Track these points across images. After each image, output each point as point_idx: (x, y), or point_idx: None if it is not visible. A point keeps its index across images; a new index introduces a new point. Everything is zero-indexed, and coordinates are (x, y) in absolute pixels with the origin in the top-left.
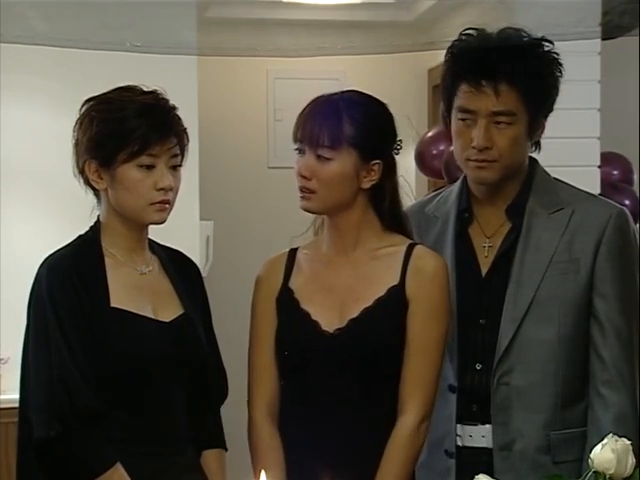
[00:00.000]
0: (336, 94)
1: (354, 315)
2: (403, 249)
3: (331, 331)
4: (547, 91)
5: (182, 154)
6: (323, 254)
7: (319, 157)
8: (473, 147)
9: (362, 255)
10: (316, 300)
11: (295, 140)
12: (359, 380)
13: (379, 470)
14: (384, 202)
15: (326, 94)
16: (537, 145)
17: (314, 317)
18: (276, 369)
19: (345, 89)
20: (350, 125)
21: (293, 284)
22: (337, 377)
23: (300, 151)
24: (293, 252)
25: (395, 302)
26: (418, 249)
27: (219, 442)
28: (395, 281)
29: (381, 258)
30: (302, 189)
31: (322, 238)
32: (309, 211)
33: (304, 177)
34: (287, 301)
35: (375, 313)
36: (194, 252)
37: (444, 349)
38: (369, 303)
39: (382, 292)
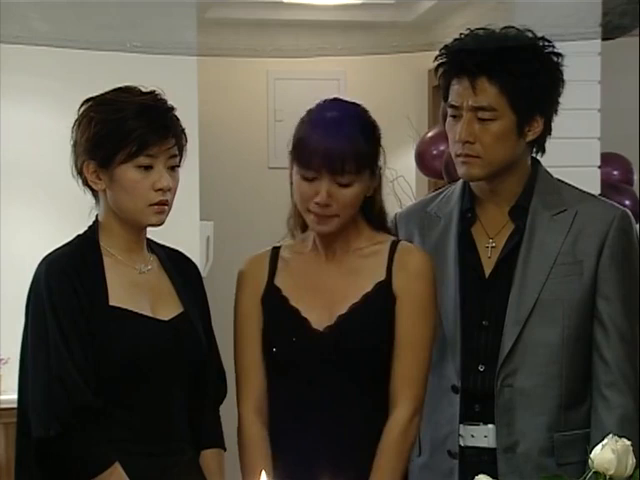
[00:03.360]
0: (333, 111)
1: (343, 312)
2: (387, 245)
3: (321, 329)
4: (535, 90)
5: (180, 155)
6: (310, 253)
7: (339, 184)
8: (457, 141)
9: (350, 254)
10: (305, 298)
11: (305, 167)
12: (350, 376)
13: (374, 465)
14: (374, 209)
15: (324, 114)
16: (541, 148)
17: (304, 314)
18: (263, 367)
19: (330, 99)
20: (365, 146)
21: (279, 282)
22: (328, 374)
23: (312, 179)
24: (276, 250)
25: (382, 297)
26: (402, 245)
27: (218, 442)
28: (381, 277)
29: (367, 256)
30: (321, 215)
31: (307, 237)
32: (326, 232)
33: (327, 205)
34: (275, 299)
35: (363, 309)
36: (194, 252)
37: (433, 343)
38: (357, 299)
39: (369, 288)
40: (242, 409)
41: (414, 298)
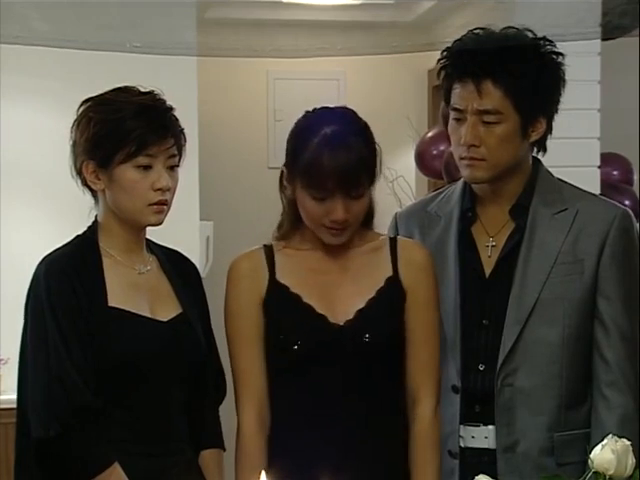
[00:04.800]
0: (332, 125)
1: (360, 306)
2: (386, 242)
3: (341, 323)
4: (538, 91)
5: (179, 154)
6: (309, 250)
7: (353, 197)
8: (462, 145)
9: (349, 251)
10: (315, 294)
11: (318, 190)
12: (369, 370)
13: (413, 462)
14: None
15: (324, 130)
16: (543, 147)
17: (319, 311)
18: (264, 369)
19: (318, 108)
20: (369, 154)
21: (284, 279)
22: (348, 368)
23: (323, 198)
24: (268, 248)
25: (394, 292)
26: (401, 241)
27: (217, 442)
28: (389, 272)
29: (369, 252)
30: (337, 229)
31: (301, 236)
32: (340, 243)
33: (345, 220)
34: (284, 297)
35: (379, 303)
36: (194, 253)
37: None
38: (372, 294)
39: (381, 283)
40: (243, 416)
41: (425, 293)
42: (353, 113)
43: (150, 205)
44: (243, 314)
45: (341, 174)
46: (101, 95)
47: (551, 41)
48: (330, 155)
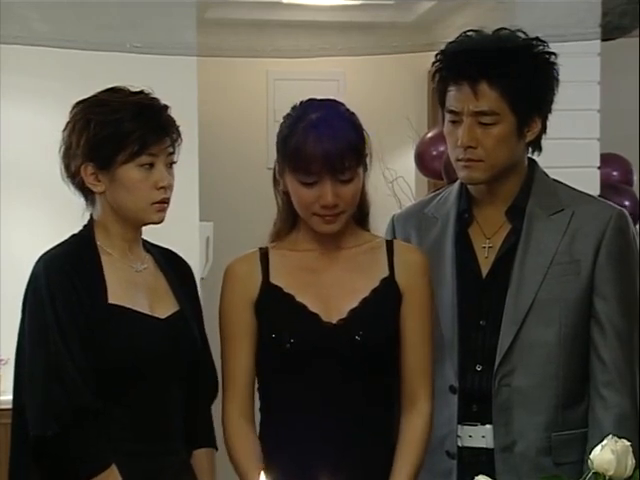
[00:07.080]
0: (316, 112)
1: (354, 305)
2: (383, 244)
3: (334, 322)
4: (533, 91)
5: (175, 151)
6: (304, 251)
7: (341, 181)
8: (459, 146)
9: (345, 251)
10: (309, 294)
11: (305, 174)
12: (360, 369)
13: (401, 457)
14: (359, 204)
15: (308, 116)
16: (538, 147)
17: (312, 309)
18: (251, 369)
19: (304, 100)
20: (356, 137)
21: (278, 280)
22: (341, 367)
23: (312, 183)
24: (263, 250)
25: (389, 293)
26: (398, 243)
27: (209, 441)
28: (385, 273)
29: (365, 253)
30: (329, 216)
31: (296, 236)
32: (333, 232)
33: (334, 206)
34: (277, 297)
35: (373, 303)
36: (194, 253)
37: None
38: (366, 294)
39: (376, 283)
40: (231, 411)
41: (422, 294)
42: (340, 103)
43: (153, 204)
44: (233, 315)
45: (326, 155)
46: (94, 96)
47: (544, 41)
48: (315, 137)
